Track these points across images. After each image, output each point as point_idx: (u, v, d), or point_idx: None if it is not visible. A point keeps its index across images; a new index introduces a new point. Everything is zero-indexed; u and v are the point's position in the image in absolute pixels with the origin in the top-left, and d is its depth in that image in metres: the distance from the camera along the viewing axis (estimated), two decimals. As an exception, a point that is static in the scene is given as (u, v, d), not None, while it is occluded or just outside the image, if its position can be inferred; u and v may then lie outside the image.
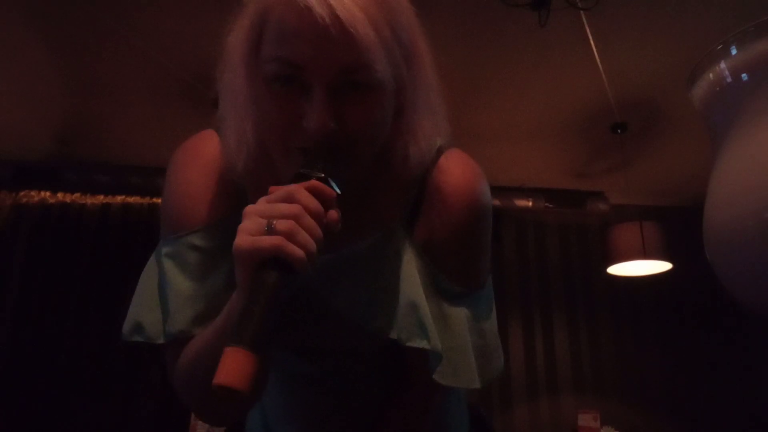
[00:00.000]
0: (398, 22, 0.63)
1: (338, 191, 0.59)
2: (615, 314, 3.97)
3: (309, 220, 0.54)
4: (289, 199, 0.55)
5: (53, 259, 3.59)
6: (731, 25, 1.06)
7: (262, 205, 0.56)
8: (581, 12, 2.31)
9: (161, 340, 0.70)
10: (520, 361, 3.80)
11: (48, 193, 3.74)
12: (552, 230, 4.12)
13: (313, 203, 0.55)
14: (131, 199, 3.78)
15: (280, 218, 0.53)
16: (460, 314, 0.74)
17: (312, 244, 0.54)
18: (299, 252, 0.52)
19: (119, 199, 3.78)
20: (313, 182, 0.57)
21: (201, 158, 0.75)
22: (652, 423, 3.75)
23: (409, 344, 0.71)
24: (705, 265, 1.15)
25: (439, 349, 0.71)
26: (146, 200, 3.78)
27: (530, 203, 3.88)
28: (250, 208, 0.56)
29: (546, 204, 3.89)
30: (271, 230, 0.53)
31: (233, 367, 0.45)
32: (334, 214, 0.57)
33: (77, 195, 3.74)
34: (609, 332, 3.94)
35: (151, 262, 0.75)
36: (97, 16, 2.43)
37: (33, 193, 3.73)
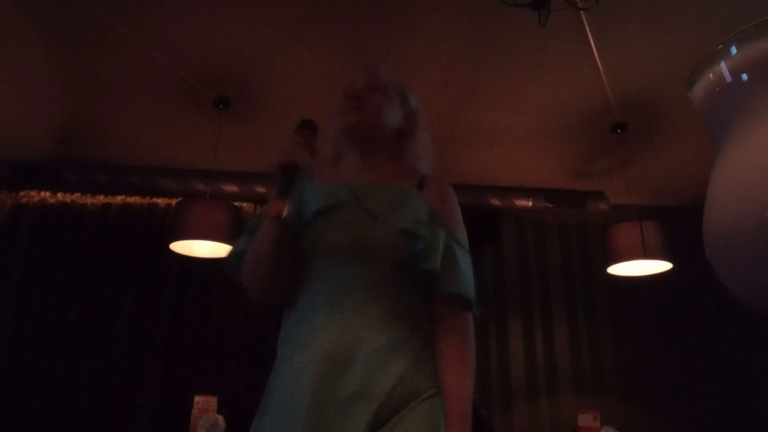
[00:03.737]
0: (406, 90, 1.32)
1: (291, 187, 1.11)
2: (615, 314, 3.97)
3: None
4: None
5: (53, 259, 3.60)
6: (731, 25, 1.06)
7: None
8: (581, 12, 2.31)
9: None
10: (520, 361, 3.80)
11: (48, 193, 3.74)
12: (552, 230, 4.12)
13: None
14: (131, 199, 3.78)
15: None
16: (458, 250, 1.16)
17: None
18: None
19: (119, 199, 3.78)
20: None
21: None
22: (652, 423, 3.75)
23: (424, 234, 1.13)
24: (705, 265, 1.15)
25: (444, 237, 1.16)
26: (146, 200, 3.78)
27: (530, 203, 3.88)
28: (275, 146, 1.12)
29: (546, 204, 3.89)
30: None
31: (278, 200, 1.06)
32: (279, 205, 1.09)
33: (77, 195, 3.75)
34: (609, 332, 3.94)
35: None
36: (97, 16, 2.43)
37: (33, 193, 3.73)
